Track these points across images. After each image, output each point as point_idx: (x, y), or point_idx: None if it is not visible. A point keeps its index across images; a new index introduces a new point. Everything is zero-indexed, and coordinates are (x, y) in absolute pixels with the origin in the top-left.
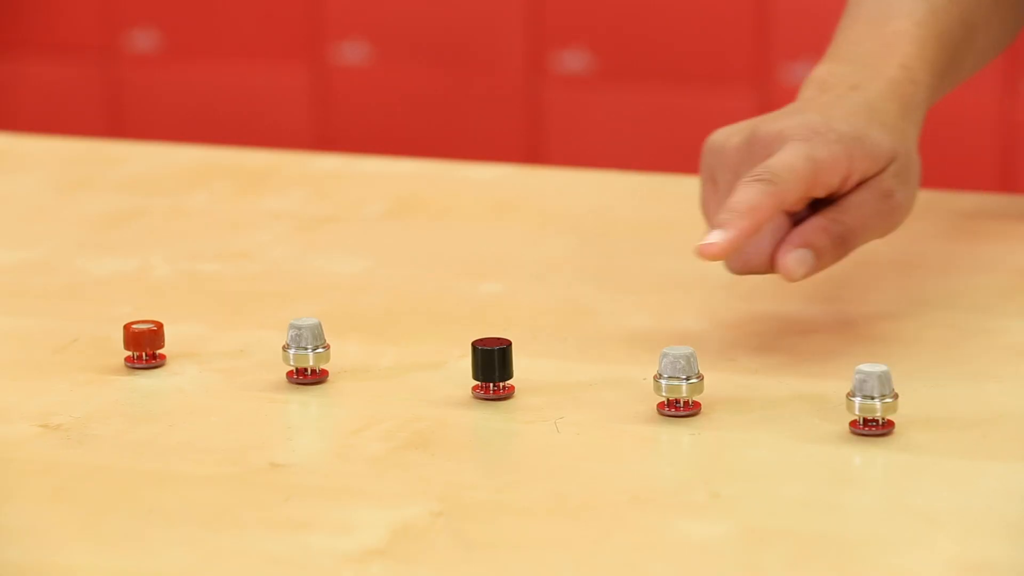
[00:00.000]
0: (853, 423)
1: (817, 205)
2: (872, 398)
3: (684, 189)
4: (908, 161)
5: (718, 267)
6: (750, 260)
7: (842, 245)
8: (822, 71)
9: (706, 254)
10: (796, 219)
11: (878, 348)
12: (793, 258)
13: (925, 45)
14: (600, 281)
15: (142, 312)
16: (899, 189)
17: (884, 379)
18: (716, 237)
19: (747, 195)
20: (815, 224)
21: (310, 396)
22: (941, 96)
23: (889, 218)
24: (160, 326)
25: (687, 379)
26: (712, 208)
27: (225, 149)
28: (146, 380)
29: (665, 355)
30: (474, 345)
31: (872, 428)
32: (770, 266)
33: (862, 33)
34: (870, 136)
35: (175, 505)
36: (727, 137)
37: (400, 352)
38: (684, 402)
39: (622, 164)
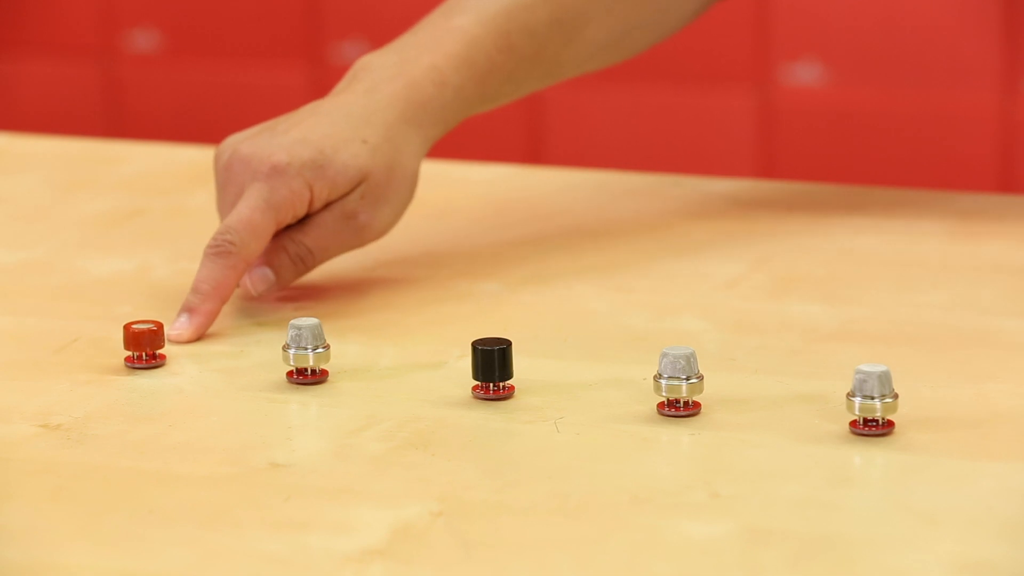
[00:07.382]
0: (853, 423)
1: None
2: (872, 398)
3: (684, 189)
4: (388, 179)
5: (718, 267)
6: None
7: (301, 263)
8: (368, 60)
9: (176, 342)
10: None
11: (878, 348)
12: (255, 276)
13: (476, 46)
14: (600, 281)
15: (142, 312)
16: (364, 210)
17: (884, 379)
18: (182, 325)
19: (211, 273)
20: (276, 244)
21: (310, 396)
22: (521, 94)
23: (354, 236)
24: (160, 326)
25: (687, 379)
26: (220, 207)
27: None
28: (146, 380)
29: (665, 355)
30: (474, 345)
31: (872, 428)
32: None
33: (429, 23)
34: (336, 162)
35: (175, 505)
36: (221, 152)
37: (400, 352)
38: (684, 402)
39: (622, 164)
